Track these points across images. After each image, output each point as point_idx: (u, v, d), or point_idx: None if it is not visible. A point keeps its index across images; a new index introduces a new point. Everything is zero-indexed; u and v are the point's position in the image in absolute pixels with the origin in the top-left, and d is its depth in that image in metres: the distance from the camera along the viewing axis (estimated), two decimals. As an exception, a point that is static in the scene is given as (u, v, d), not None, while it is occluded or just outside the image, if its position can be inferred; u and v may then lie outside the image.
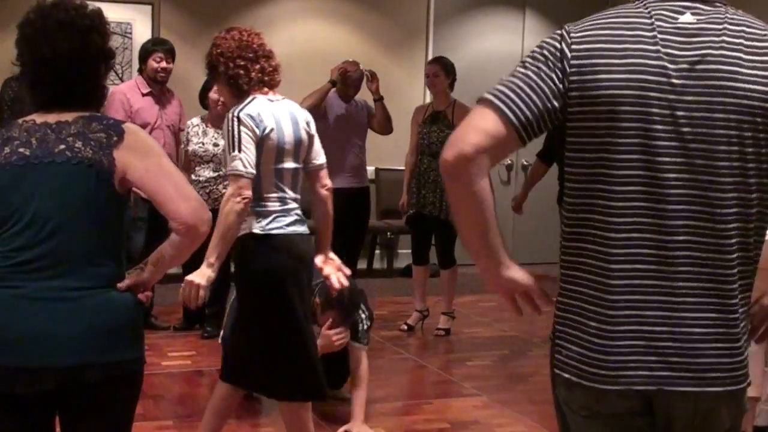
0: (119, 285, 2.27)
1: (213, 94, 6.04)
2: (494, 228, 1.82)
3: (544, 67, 1.78)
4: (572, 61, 1.77)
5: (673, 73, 1.75)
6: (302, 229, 3.43)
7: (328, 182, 3.63)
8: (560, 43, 1.80)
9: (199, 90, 6.21)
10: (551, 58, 1.79)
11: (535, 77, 1.78)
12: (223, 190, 6.06)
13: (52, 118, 2.32)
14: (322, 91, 6.48)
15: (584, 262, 1.83)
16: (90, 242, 2.23)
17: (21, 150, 2.26)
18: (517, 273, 1.91)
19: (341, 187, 6.57)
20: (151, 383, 4.91)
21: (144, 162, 2.24)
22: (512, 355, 6.13)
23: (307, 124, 3.56)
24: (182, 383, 5.21)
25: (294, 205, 3.45)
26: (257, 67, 3.43)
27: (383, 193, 8.98)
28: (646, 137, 1.75)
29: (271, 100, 3.46)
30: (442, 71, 6.46)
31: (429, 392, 5.27)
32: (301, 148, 3.50)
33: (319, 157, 3.61)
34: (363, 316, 4.42)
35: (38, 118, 2.33)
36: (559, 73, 1.78)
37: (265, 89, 3.47)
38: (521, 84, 1.78)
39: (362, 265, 8.90)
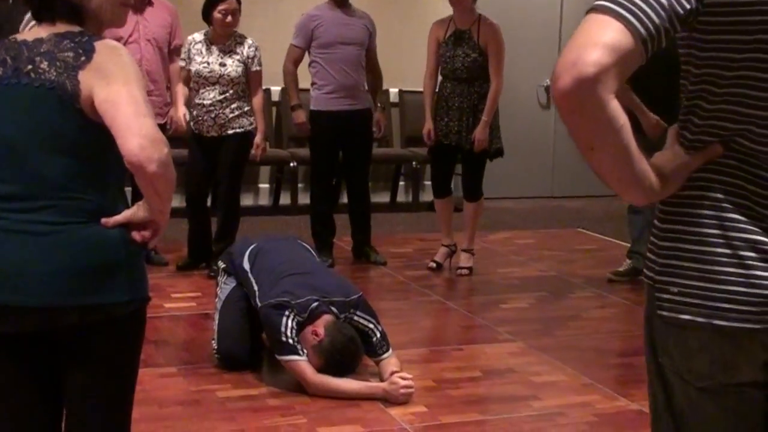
0: (104, 221, 2.26)
1: (217, 14, 5.99)
2: (637, 151, 1.67)
3: None
4: None
5: None
6: None
7: None
8: None
9: (203, 4, 6.15)
10: None
11: None
12: (231, 114, 6.08)
13: (31, 34, 2.30)
14: (289, 94, 6.65)
15: (719, 187, 1.73)
16: (65, 174, 2.22)
17: None
18: (674, 182, 1.76)
19: (332, 110, 6.56)
20: (153, 327, 4.97)
21: (107, 88, 2.18)
22: (551, 297, 6.14)
23: None
24: (187, 327, 5.26)
25: None
26: None
27: (408, 118, 8.93)
28: None
29: None
30: None
31: (459, 337, 5.29)
32: None
33: None
34: (370, 326, 4.43)
35: (22, 36, 2.32)
36: None
37: None
38: None
39: (384, 198, 8.90)
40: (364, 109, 6.67)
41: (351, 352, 4.25)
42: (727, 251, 1.72)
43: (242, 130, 6.10)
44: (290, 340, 4.20)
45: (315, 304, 4.30)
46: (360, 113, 6.64)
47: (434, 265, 6.68)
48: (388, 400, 4.21)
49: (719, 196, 1.74)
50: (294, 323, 4.23)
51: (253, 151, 6.20)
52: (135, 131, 2.13)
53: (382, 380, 4.33)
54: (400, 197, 9.20)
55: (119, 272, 2.27)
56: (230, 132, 6.09)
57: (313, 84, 6.67)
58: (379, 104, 6.86)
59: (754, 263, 1.70)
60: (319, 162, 6.74)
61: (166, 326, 5.16)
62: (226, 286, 4.69)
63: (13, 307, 2.21)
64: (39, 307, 2.21)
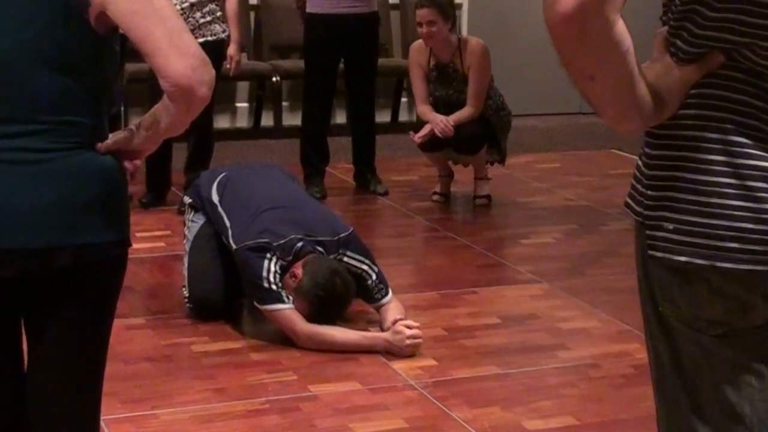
0: (99, 146, 2.26)
1: None
2: (639, 75, 1.67)
3: None
4: None
5: None
6: None
7: None
8: None
9: None
10: None
11: None
12: (201, 20, 6.01)
13: None
14: None
15: (723, 105, 1.70)
16: (60, 91, 2.21)
17: None
18: (672, 102, 1.73)
19: (332, 13, 6.51)
20: (116, 272, 4.96)
21: None
22: (581, 230, 6.15)
23: None
24: (155, 271, 5.29)
25: None
26: None
27: (410, 22, 8.85)
28: None
29: None
30: (439, 16, 6.21)
31: (473, 279, 5.30)
32: None
33: None
34: (364, 267, 4.42)
35: None
36: None
37: None
38: None
39: (384, 117, 8.86)
40: (369, 13, 6.62)
41: (336, 287, 4.24)
42: (734, 181, 1.69)
43: (214, 38, 6.04)
44: (273, 286, 4.21)
45: (300, 244, 4.30)
46: (365, 18, 6.59)
47: (440, 198, 6.69)
48: (391, 352, 4.23)
49: (723, 115, 1.70)
50: (277, 267, 4.23)
51: (226, 65, 6.17)
52: (183, 50, 2.16)
53: (383, 329, 4.34)
54: (403, 115, 9.15)
55: (115, 206, 2.30)
56: (200, 41, 6.01)
57: None
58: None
59: (766, 195, 1.67)
60: (315, 75, 6.72)
61: (130, 270, 4.96)
62: (193, 223, 4.69)
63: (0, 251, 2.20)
64: (32, 249, 2.20)
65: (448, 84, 6.42)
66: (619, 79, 1.65)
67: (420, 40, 6.49)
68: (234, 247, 4.35)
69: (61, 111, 2.22)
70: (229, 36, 6.16)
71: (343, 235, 4.45)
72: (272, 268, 4.22)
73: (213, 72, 2.21)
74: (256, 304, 4.31)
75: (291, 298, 4.23)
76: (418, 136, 6.37)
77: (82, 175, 2.24)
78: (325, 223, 4.50)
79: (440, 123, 6.25)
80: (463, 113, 6.30)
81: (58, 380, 2.35)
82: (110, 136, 2.31)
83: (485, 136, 6.46)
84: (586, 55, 1.62)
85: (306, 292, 4.21)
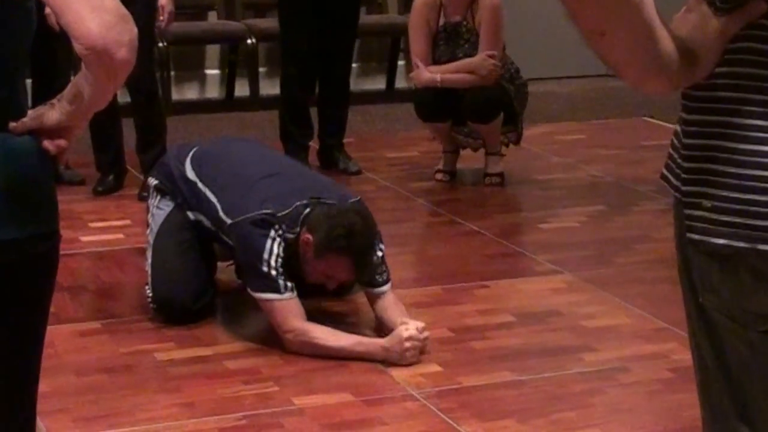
0: (13, 125, 2.23)
1: None
2: (661, 27, 1.69)
3: None
4: None
5: None
6: None
7: None
8: None
9: None
10: None
11: None
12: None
13: None
14: None
15: (766, 61, 1.69)
16: None
17: None
18: (707, 59, 1.74)
19: None
20: (66, 269, 4.95)
21: None
22: (609, 211, 6.15)
23: None
24: (112, 268, 5.27)
25: None
26: None
27: (407, -27, 8.84)
28: None
29: None
30: None
31: (484, 270, 5.31)
32: None
33: None
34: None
35: None
36: None
37: None
38: None
39: (378, 84, 8.86)
40: None
41: (354, 222, 4.21)
42: None
43: None
44: (273, 272, 4.22)
45: (306, 210, 4.28)
46: None
47: (444, 176, 6.71)
48: (390, 360, 4.21)
49: (764, 72, 1.70)
50: (280, 248, 4.23)
51: (159, 18, 6.27)
52: (96, 4, 2.11)
53: (378, 321, 4.38)
54: (400, 82, 9.14)
55: (36, 195, 2.28)
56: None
57: None
58: None
59: None
60: (291, 32, 6.75)
61: (84, 267, 5.17)
62: (159, 210, 4.67)
63: None
64: None
65: (459, 44, 6.45)
66: (635, 34, 1.65)
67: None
68: (229, 221, 4.34)
69: None
70: None
71: (353, 200, 4.47)
72: (275, 251, 4.22)
73: (134, 30, 2.15)
74: (249, 290, 4.31)
75: (290, 286, 4.23)
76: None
77: None
78: (330, 188, 4.54)
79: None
80: (469, 77, 6.36)
81: None
82: (29, 113, 2.26)
83: (502, 101, 6.47)
84: (593, 6, 1.63)
85: (327, 244, 4.19)
